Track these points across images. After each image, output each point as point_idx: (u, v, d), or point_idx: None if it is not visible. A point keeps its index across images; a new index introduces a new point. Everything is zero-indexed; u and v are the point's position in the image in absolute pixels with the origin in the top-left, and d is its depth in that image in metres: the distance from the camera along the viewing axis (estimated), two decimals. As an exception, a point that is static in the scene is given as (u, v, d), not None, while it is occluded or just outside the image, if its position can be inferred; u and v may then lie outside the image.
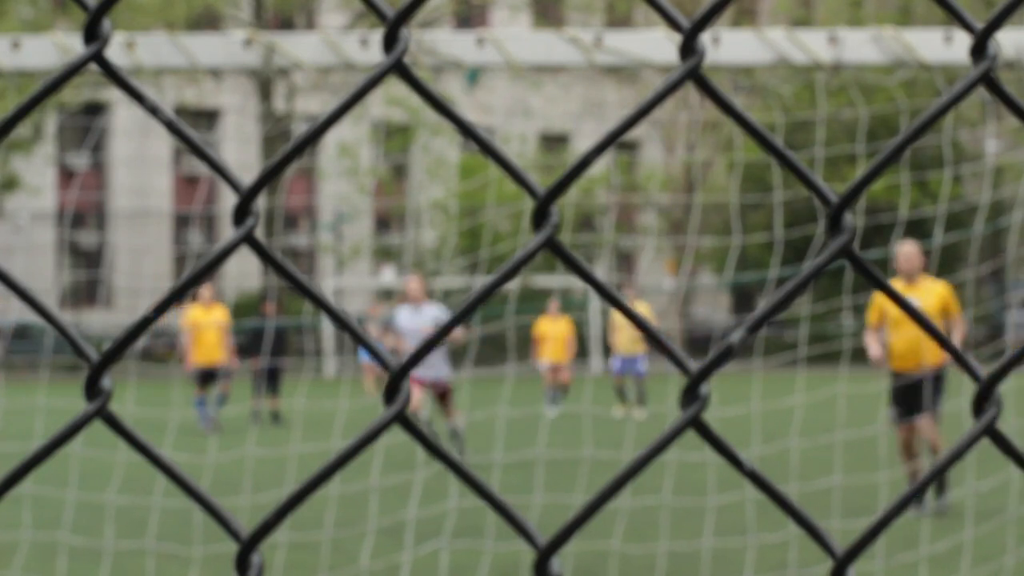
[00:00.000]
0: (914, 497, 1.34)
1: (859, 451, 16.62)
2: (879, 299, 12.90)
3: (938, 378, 12.95)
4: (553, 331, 28.19)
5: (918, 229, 21.79)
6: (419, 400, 17.63)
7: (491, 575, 10.32)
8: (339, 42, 8.58)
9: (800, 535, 10.83)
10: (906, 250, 12.98)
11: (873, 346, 12.81)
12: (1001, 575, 10.18)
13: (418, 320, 17.54)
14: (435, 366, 17.55)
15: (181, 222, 58.06)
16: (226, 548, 10.78)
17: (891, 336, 12.94)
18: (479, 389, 30.77)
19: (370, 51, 8.49)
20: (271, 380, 25.64)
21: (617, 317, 27.09)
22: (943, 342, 1.40)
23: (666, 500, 12.14)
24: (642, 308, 27.20)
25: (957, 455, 1.35)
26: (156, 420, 19.81)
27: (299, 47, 8.71)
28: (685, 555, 10.98)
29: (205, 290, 24.23)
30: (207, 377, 23.79)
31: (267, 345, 25.26)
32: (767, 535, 11.32)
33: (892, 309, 12.47)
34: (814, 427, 17.71)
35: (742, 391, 18.18)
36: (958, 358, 1.40)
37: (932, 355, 12.81)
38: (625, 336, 26.50)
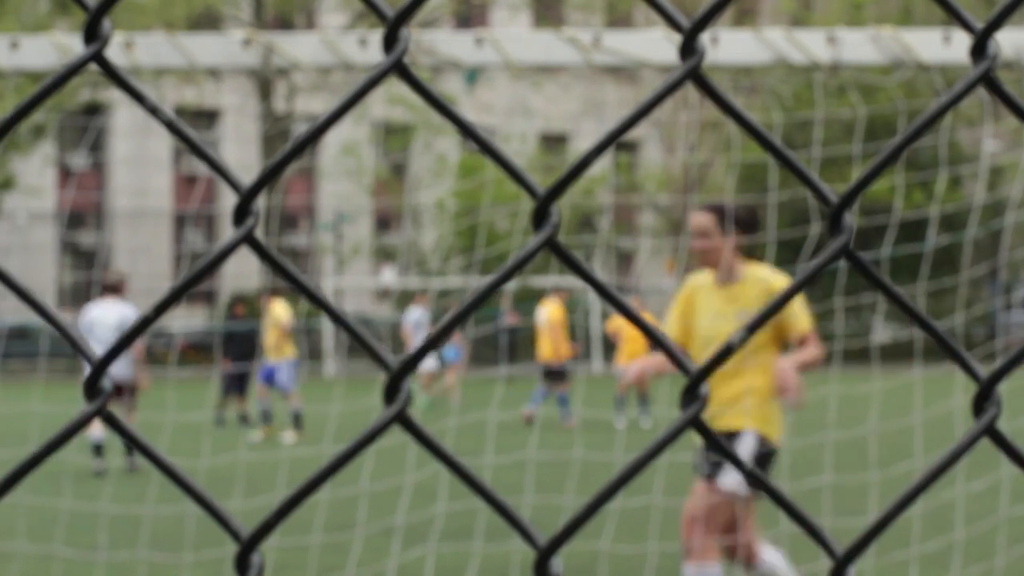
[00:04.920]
0: (916, 496, 1.34)
1: (849, 451, 16.66)
2: (685, 299, 7.87)
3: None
4: (631, 330, 25.13)
5: (917, 229, 21.84)
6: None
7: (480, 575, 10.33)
8: (338, 42, 8.58)
9: (789, 533, 10.85)
10: (699, 221, 7.76)
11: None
12: (991, 574, 10.20)
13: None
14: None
15: (181, 222, 58.07)
16: (217, 554, 10.78)
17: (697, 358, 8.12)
18: (471, 390, 30.77)
19: (369, 51, 8.49)
20: (239, 383, 25.13)
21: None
22: (938, 336, 1.40)
23: (657, 500, 12.15)
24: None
25: (958, 454, 1.35)
26: (151, 423, 19.80)
27: (298, 47, 8.70)
28: (676, 555, 10.99)
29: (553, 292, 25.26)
30: (554, 373, 24.32)
31: (237, 346, 24.94)
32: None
33: (703, 320, 7.75)
34: (805, 427, 17.73)
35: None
36: (957, 358, 1.40)
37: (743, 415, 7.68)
38: (269, 337, 22.54)
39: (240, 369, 24.88)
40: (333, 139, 54.00)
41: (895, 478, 14.02)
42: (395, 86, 41.20)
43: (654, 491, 12.52)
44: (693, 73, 1.30)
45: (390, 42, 1.27)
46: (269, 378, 22.37)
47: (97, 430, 17.24)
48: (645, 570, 10.49)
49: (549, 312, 25.12)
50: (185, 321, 51.04)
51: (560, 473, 15.15)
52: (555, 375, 24.43)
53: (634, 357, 25.08)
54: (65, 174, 55.93)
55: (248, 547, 1.27)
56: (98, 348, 17.18)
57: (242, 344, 25.08)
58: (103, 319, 17.71)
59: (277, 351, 22.26)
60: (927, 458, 14.77)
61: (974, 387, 1.37)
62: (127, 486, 14.55)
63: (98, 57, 1.25)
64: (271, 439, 21.64)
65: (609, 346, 32.73)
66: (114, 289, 18.05)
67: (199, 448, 17.63)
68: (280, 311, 22.38)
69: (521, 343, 39.03)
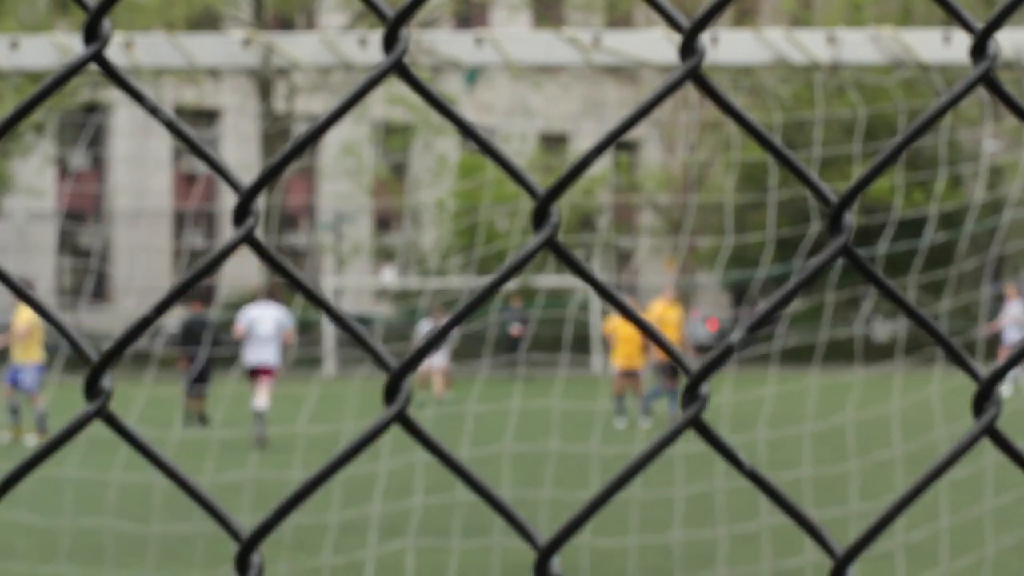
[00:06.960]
0: (915, 496, 1.34)
1: (828, 442, 16.63)
2: None
3: None
4: (626, 330, 25.07)
5: (917, 227, 21.86)
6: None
7: (460, 573, 10.32)
8: (338, 42, 8.58)
9: (773, 526, 10.84)
10: None
11: None
12: (980, 566, 10.18)
13: None
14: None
15: (180, 221, 58.06)
16: (225, 570, 10.74)
17: None
18: (460, 386, 30.81)
19: (369, 51, 8.49)
20: (199, 381, 24.63)
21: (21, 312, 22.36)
22: (937, 335, 1.40)
23: (636, 493, 12.12)
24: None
25: (957, 454, 1.35)
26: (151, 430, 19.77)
27: (298, 47, 8.70)
28: (658, 548, 10.98)
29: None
30: (668, 369, 25.43)
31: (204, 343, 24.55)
32: (738, 526, 11.33)
33: None
34: (783, 418, 17.71)
35: (714, 383, 18.08)
36: (956, 357, 1.40)
37: None
38: (15, 339, 22.04)
39: (198, 367, 24.44)
40: (333, 139, 53.97)
41: (874, 467, 13.99)
42: (395, 86, 41.19)
43: (634, 484, 12.50)
44: (693, 73, 1.30)
45: (390, 42, 1.27)
46: (15, 380, 22.14)
47: (261, 400, 20.68)
48: (627, 564, 10.48)
49: (661, 310, 25.51)
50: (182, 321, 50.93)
51: (536, 467, 15.11)
52: (669, 370, 25.05)
53: (630, 357, 25.22)
54: (65, 173, 55.92)
55: (248, 547, 1.27)
56: (257, 343, 21.61)
57: (205, 341, 24.66)
58: (263, 318, 21.62)
59: (24, 353, 21.93)
60: (906, 447, 14.75)
61: (952, 376, 1.37)
62: (131, 501, 14.41)
63: (98, 57, 1.25)
64: (19, 440, 21.58)
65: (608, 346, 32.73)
66: (271, 294, 20.99)
67: (202, 456, 17.59)
68: (26, 315, 21.96)
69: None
